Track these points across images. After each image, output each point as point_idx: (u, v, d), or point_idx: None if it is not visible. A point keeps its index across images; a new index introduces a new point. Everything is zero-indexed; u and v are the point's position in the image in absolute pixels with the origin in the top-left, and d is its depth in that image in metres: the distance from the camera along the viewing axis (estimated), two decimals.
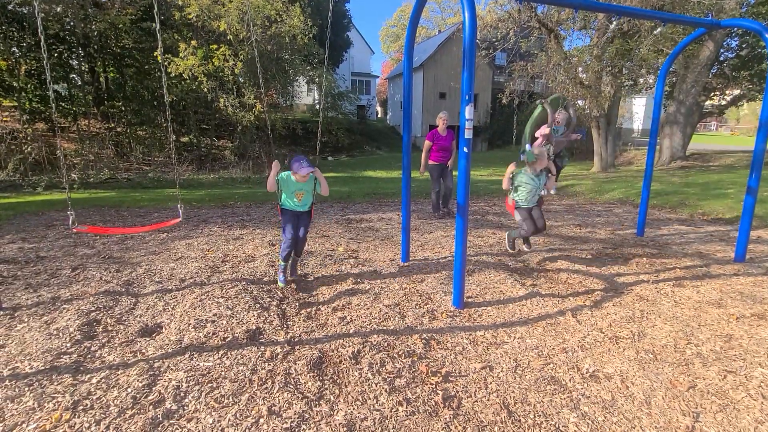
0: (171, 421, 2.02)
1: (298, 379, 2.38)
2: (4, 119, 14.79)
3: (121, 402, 2.15)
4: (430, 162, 6.81)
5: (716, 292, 3.80)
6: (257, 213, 7.23)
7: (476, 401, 2.24)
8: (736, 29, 14.64)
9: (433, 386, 2.34)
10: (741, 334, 3.01)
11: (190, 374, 2.39)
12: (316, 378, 2.39)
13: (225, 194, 9.43)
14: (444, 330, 3.01)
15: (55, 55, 14.98)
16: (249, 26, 14.95)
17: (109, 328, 2.93)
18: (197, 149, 17.75)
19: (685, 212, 7.62)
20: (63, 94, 16.20)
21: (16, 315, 3.11)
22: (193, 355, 2.59)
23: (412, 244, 5.03)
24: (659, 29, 11.75)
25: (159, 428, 1.98)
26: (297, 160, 3.51)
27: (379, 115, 42.87)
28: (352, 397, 2.23)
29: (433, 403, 2.20)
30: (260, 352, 2.62)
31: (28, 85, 14.88)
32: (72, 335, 2.79)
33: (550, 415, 2.14)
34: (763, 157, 4.47)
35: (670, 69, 5.92)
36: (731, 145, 27.52)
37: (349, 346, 2.72)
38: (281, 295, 3.58)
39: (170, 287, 3.69)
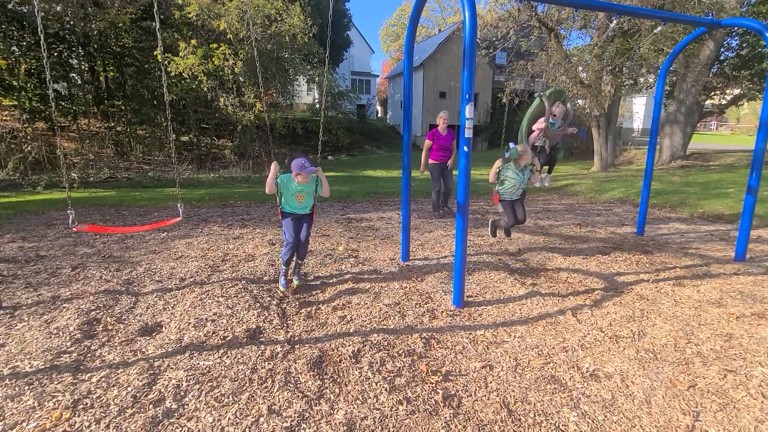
0: (171, 420, 2.02)
1: (298, 378, 2.38)
2: (4, 118, 14.78)
3: (121, 401, 2.15)
4: (431, 161, 6.81)
5: (716, 291, 3.80)
6: (257, 212, 7.23)
7: (476, 400, 2.24)
8: (736, 28, 14.62)
9: (433, 385, 2.34)
10: (741, 333, 3.01)
11: (190, 373, 2.39)
12: (316, 377, 2.39)
13: (225, 193, 9.44)
14: (444, 329, 3.01)
15: (55, 54, 14.95)
16: (249, 25, 14.93)
17: (109, 327, 2.93)
18: (197, 148, 17.74)
19: (686, 212, 7.62)
20: (63, 93, 16.16)
21: (16, 314, 3.11)
22: (193, 354, 2.59)
23: (412, 243, 5.03)
24: (659, 28, 11.73)
25: (159, 427, 1.98)
26: (298, 161, 3.41)
27: (379, 115, 42.82)
28: (352, 396, 2.24)
29: (434, 402, 2.20)
30: (260, 351, 2.63)
31: (28, 84, 14.85)
32: (72, 334, 2.80)
33: (550, 414, 2.14)
34: (764, 157, 4.47)
35: (671, 68, 5.91)
36: (731, 145, 27.50)
37: (349, 345, 2.72)
38: (281, 294, 3.58)
39: (170, 286, 3.69)
